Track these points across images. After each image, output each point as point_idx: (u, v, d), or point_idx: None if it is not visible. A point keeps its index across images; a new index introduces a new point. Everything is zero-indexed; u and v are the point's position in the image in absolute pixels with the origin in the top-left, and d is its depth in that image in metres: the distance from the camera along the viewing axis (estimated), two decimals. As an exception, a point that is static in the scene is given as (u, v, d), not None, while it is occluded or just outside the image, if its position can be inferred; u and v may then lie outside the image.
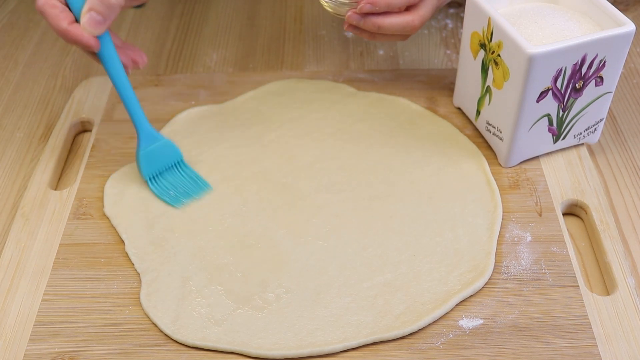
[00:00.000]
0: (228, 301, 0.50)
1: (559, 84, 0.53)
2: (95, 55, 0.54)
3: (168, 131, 0.63)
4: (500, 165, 0.59)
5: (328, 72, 0.70)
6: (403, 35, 0.60)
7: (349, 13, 0.58)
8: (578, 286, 0.50)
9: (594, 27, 0.54)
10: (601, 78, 0.55)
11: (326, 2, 0.60)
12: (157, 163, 0.58)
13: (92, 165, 0.61)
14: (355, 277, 0.51)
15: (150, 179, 0.58)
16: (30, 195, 0.58)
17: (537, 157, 0.60)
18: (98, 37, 0.52)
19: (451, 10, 0.80)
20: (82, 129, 0.66)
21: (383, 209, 0.56)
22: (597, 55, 0.53)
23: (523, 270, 0.51)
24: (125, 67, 0.55)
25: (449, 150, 0.60)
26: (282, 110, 0.65)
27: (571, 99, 0.55)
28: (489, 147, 0.61)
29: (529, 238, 0.53)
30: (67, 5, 0.52)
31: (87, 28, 0.51)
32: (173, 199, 0.57)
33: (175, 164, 0.59)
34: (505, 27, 0.52)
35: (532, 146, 0.58)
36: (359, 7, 0.57)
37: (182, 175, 0.58)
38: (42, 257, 0.53)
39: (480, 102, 0.60)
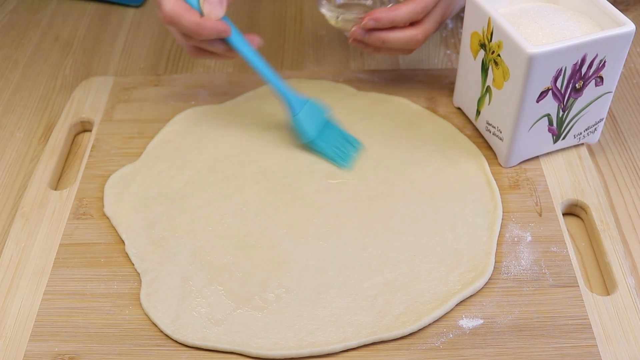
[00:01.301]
0: (228, 301, 0.50)
1: (559, 84, 0.53)
2: (224, 45, 0.56)
3: (168, 131, 0.63)
4: (500, 165, 0.59)
5: (328, 72, 0.70)
6: (407, 49, 0.60)
7: (354, 29, 0.58)
8: (578, 286, 0.50)
9: (594, 27, 0.54)
10: (601, 78, 0.55)
11: (333, 18, 0.61)
12: (314, 123, 0.59)
13: (92, 165, 0.61)
14: (355, 277, 0.51)
15: (323, 144, 0.59)
16: (30, 195, 0.58)
17: (537, 157, 0.60)
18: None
19: (451, 10, 0.80)
20: (82, 129, 0.66)
21: (383, 209, 0.56)
22: (597, 55, 0.53)
23: (523, 270, 0.51)
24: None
25: (449, 150, 0.60)
26: (282, 110, 0.65)
27: (571, 99, 0.55)
28: (489, 147, 0.61)
29: (529, 238, 0.53)
30: None
31: (211, 13, 0.53)
32: (341, 159, 0.58)
33: (327, 121, 0.60)
34: (505, 27, 0.52)
35: (532, 146, 0.58)
36: (362, 23, 0.57)
37: (334, 131, 0.60)
38: (42, 257, 0.53)
39: (480, 102, 0.60)
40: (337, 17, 0.60)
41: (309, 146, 0.59)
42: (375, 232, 0.54)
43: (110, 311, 0.50)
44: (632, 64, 0.72)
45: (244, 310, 0.49)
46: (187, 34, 0.54)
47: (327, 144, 0.59)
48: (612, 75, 0.55)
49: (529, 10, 0.57)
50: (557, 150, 0.60)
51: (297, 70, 0.72)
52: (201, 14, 0.53)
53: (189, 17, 0.52)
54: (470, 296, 0.50)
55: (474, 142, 0.61)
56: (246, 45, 0.56)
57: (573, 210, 0.57)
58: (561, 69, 0.52)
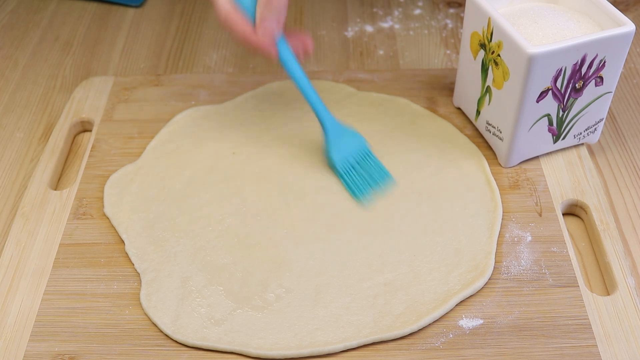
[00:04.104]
0: (228, 301, 0.50)
1: (559, 84, 0.53)
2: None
3: (168, 131, 0.63)
4: (500, 165, 0.59)
5: (328, 72, 0.70)
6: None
7: None
8: (578, 286, 0.50)
9: (594, 27, 0.54)
10: (601, 78, 0.55)
11: None
12: (345, 152, 0.59)
13: (92, 165, 0.61)
14: (355, 277, 0.51)
15: (343, 171, 0.58)
16: (30, 195, 0.58)
17: (537, 157, 0.60)
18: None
19: (451, 10, 0.80)
20: (82, 129, 0.66)
21: (383, 209, 0.56)
22: (597, 55, 0.53)
23: (523, 270, 0.51)
24: (297, 56, 0.56)
25: (449, 150, 0.60)
26: (282, 110, 0.65)
27: (571, 99, 0.55)
28: (489, 147, 0.61)
29: (529, 238, 0.53)
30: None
31: (265, 39, 0.53)
32: (360, 192, 0.57)
33: (361, 153, 0.59)
34: (505, 27, 0.52)
35: (532, 146, 0.58)
36: None
37: (368, 164, 0.59)
38: (42, 257, 0.53)
39: (480, 102, 0.60)
40: None
41: (335, 170, 0.59)
42: (375, 232, 0.54)
43: (110, 311, 0.50)
44: (632, 64, 0.72)
45: (244, 310, 0.49)
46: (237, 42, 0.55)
47: (350, 173, 0.58)
48: (612, 75, 0.55)
49: (529, 10, 0.57)
50: (557, 150, 0.60)
51: (297, 70, 0.72)
52: (253, 22, 0.54)
53: (239, 28, 0.53)
54: (470, 296, 0.50)
55: (474, 142, 0.61)
56: (292, 61, 0.56)
57: (573, 210, 0.57)
58: (561, 69, 0.52)
